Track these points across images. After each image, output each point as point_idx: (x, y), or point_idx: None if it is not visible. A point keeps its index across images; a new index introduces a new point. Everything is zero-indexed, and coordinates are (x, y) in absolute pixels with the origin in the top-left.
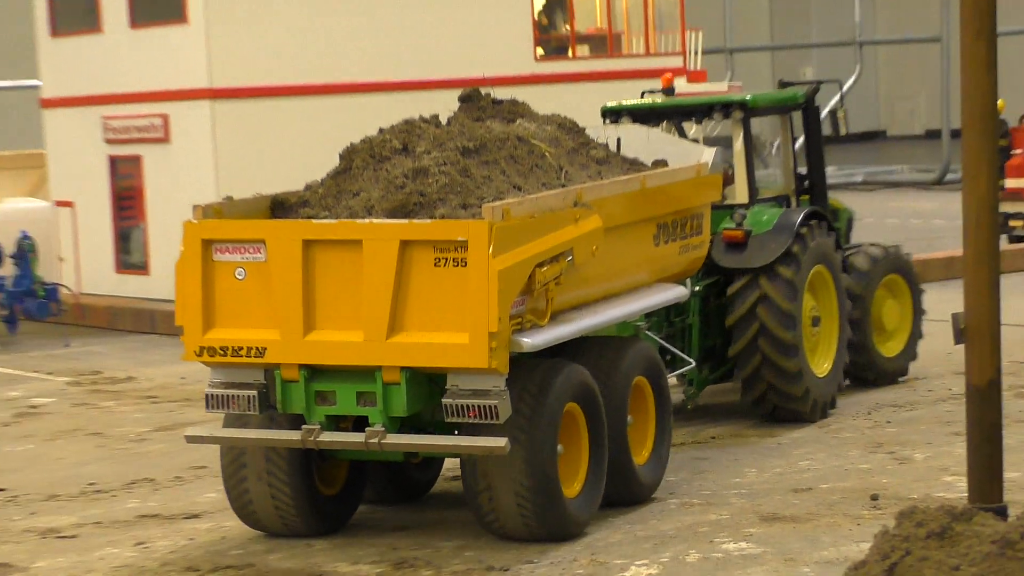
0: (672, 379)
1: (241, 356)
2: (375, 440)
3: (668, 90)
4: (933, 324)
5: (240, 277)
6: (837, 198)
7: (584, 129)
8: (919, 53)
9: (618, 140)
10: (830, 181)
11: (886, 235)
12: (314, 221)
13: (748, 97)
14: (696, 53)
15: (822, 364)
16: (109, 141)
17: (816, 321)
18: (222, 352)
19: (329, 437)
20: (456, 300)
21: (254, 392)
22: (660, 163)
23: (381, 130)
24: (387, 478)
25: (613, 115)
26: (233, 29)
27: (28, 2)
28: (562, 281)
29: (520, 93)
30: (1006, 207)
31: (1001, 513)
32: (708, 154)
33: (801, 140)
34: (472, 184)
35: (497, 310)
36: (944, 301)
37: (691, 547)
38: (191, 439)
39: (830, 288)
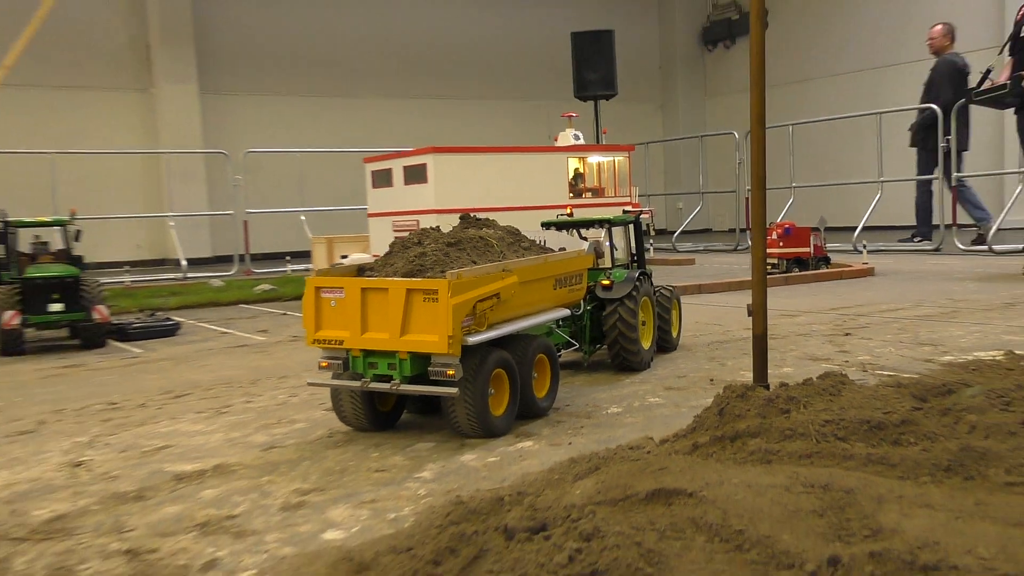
0: (573, 352)
1: (332, 344)
2: (394, 387)
3: (570, 215)
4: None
5: (333, 305)
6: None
7: (519, 232)
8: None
9: (543, 240)
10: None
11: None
12: (365, 278)
13: (610, 217)
14: (636, 195)
15: (646, 342)
16: None
17: (643, 323)
18: (324, 342)
19: (373, 385)
20: (433, 319)
21: (340, 361)
22: (562, 249)
23: (410, 232)
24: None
25: (546, 226)
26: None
27: None
28: (494, 309)
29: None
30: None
31: (766, 387)
32: (585, 245)
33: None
34: (448, 260)
35: (452, 324)
36: (729, 302)
37: (629, 403)
38: (312, 384)
39: (649, 308)
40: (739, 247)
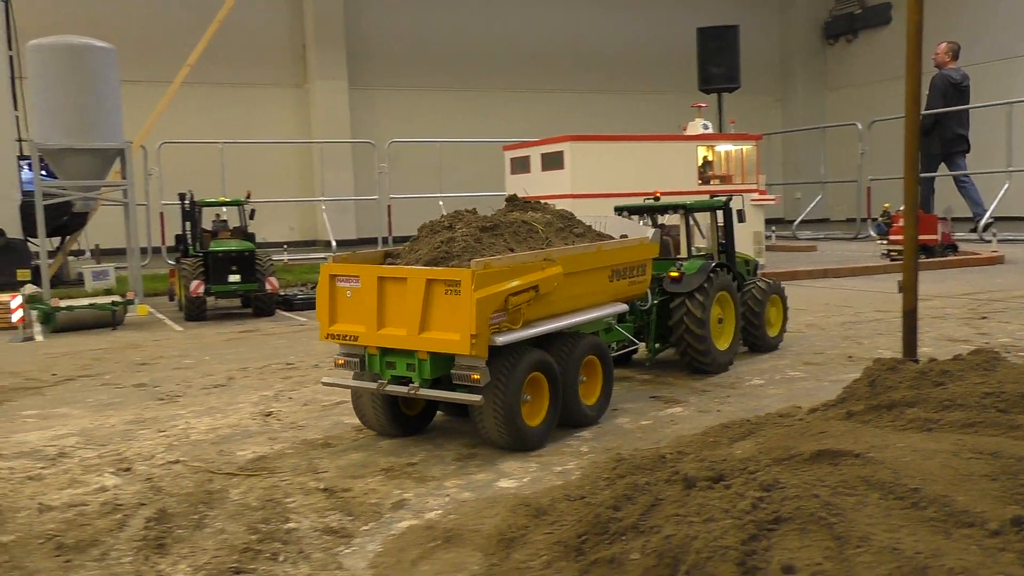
0: (642, 349)
1: (347, 340)
2: (412, 391)
3: (656, 199)
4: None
5: (349, 295)
6: (747, 253)
7: (574, 216)
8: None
9: (606, 223)
10: None
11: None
12: (383, 265)
13: (686, 202)
14: (764, 183)
15: (723, 344)
16: None
17: (721, 321)
18: (339, 337)
19: (390, 388)
20: (455, 314)
21: (357, 359)
22: (623, 236)
23: (443, 215)
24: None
25: (619, 211)
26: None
27: None
28: (532, 304)
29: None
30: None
31: (915, 361)
32: (650, 232)
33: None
34: (480, 247)
35: (475, 321)
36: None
37: (770, 376)
38: (326, 384)
39: (729, 304)
40: (859, 236)
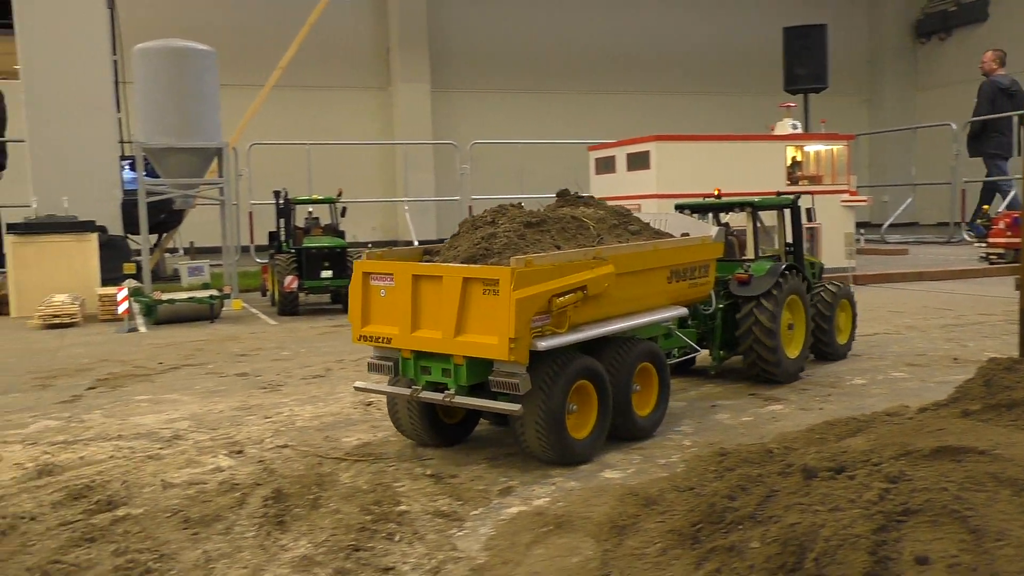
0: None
1: (380, 343)
2: (448, 399)
3: (718, 196)
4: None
5: (383, 295)
6: (814, 255)
7: (630, 213)
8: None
9: (666, 220)
10: None
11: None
12: (418, 263)
13: (755, 200)
14: (855, 184)
15: (793, 351)
16: None
17: (791, 327)
18: (371, 339)
19: (425, 395)
20: (493, 316)
21: (391, 363)
22: (684, 235)
23: (485, 211)
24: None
25: (680, 208)
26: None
27: None
28: (579, 306)
29: None
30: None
31: None
32: (713, 231)
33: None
34: (523, 244)
35: (514, 324)
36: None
37: (872, 376)
38: (358, 389)
39: (800, 309)
40: (953, 239)
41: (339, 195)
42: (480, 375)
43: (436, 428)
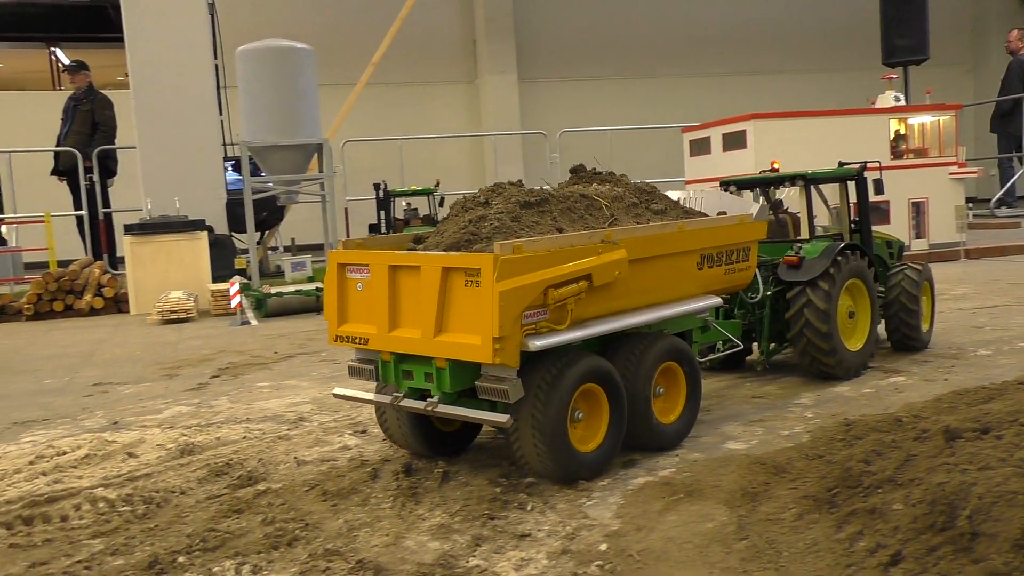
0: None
1: (357, 344)
2: (430, 407)
3: (774, 170)
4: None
5: (360, 289)
6: (893, 234)
7: (655, 190)
8: None
9: (702, 199)
10: None
11: None
12: (396, 251)
13: (808, 172)
14: (964, 155)
15: (855, 344)
16: None
17: (851, 315)
18: (348, 340)
19: (405, 402)
20: (476, 311)
21: (372, 367)
22: (721, 214)
23: (481, 190)
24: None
25: (725, 185)
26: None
27: None
28: (584, 298)
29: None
30: None
31: None
32: (754, 208)
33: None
34: (517, 227)
35: (499, 320)
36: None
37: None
38: (338, 396)
39: (863, 295)
40: None
41: (437, 185)
42: (467, 380)
43: (431, 438)
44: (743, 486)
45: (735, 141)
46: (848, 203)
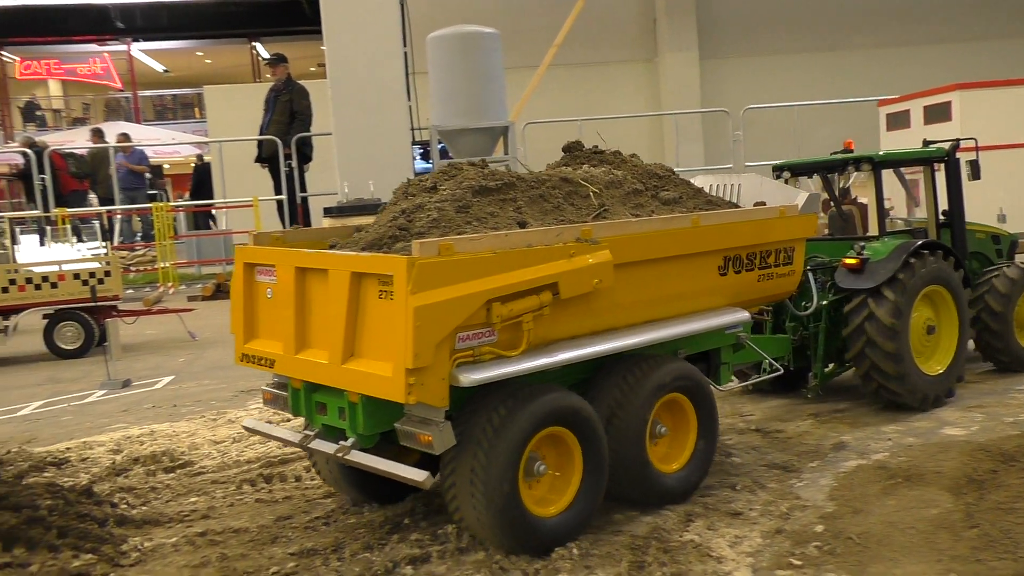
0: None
1: (263, 365)
2: (340, 453)
3: (848, 151)
4: None
5: (269, 296)
6: (1001, 227)
7: (670, 175)
8: None
9: (737, 187)
10: None
11: None
12: (302, 249)
13: (877, 153)
14: None
15: (934, 366)
16: None
17: (931, 330)
18: (252, 360)
19: (316, 443)
20: (389, 332)
21: (287, 395)
22: (759, 204)
23: (439, 169)
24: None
25: (778, 170)
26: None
27: None
28: (548, 314)
29: None
30: None
31: None
32: (801, 198)
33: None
34: (463, 220)
35: (412, 345)
36: None
37: None
38: (247, 429)
39: (948, 304)
40: None
41: None
42: (386, 420)
43: (364, 482)
44: (967, 473)
45: (938, 113)
46: (935, 191)
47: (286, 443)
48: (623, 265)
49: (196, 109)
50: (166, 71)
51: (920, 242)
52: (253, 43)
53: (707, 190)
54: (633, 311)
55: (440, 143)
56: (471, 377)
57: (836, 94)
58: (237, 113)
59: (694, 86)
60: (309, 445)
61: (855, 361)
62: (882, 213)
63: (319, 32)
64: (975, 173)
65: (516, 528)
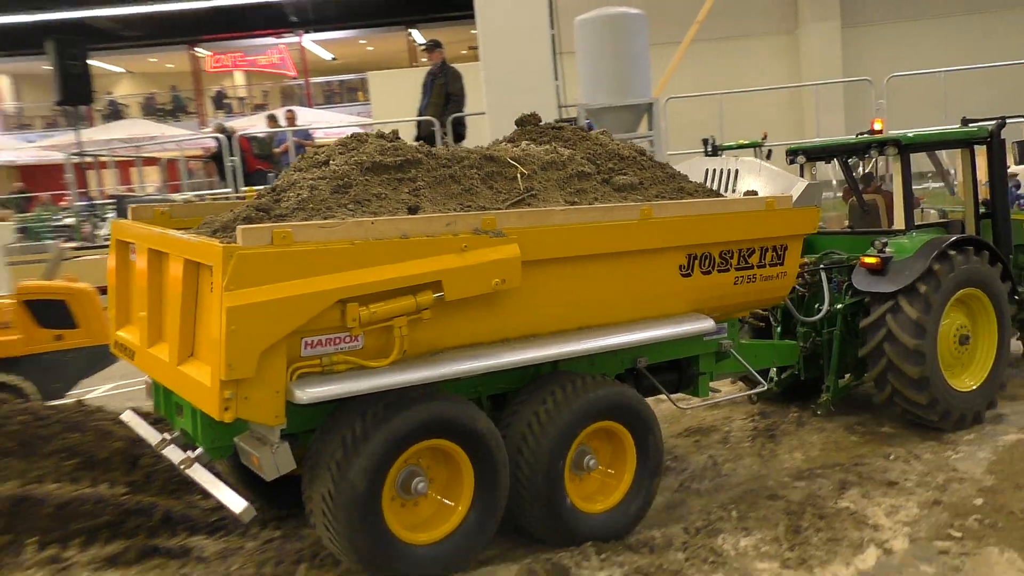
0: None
1: (128, 356)
2: (184, 465)
3: (871, 132)
4: None
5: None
6: None
7: (639, 157)
8: None
9: (735, 172)
10: None
11: None
12: (156, 230)
13: (902, 136)
14: None
15: (967, 381)
16: None
17: (964, 340)
18: (121, 350)
19: (168, 449)
20: (212, 335)
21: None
22: (751, 193)
23: (340, 140)
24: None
25: (792, 155)
26: None
27: None
28: (431, 318)
29: None
30: None
31: None
32: (797, 188)
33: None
34: (334, 202)
35: (225, 353)
36: None
37: None
38: (124, 422)
39: (986, 310)
40: None
41: (764, 138)
42: (227, 432)
43: (260, 485)
44: None
45: None
46: (974, 177)
47: (147, 444)
48: (543, 262)
49: (360, 93)
50: (333, 59)
51: (953, 238)
52: (409, 30)
53: (703, 175)
54: (562, 316)
55: (587, 119)
56: (309, 392)
57: (986, 58)
58: (397, 96)
59: (835, 56)
60: (163, 451)
61: (877, 385)
62: (910, 203)
63: (469, 17)
64: (1021, 157)
65: (379, 554)
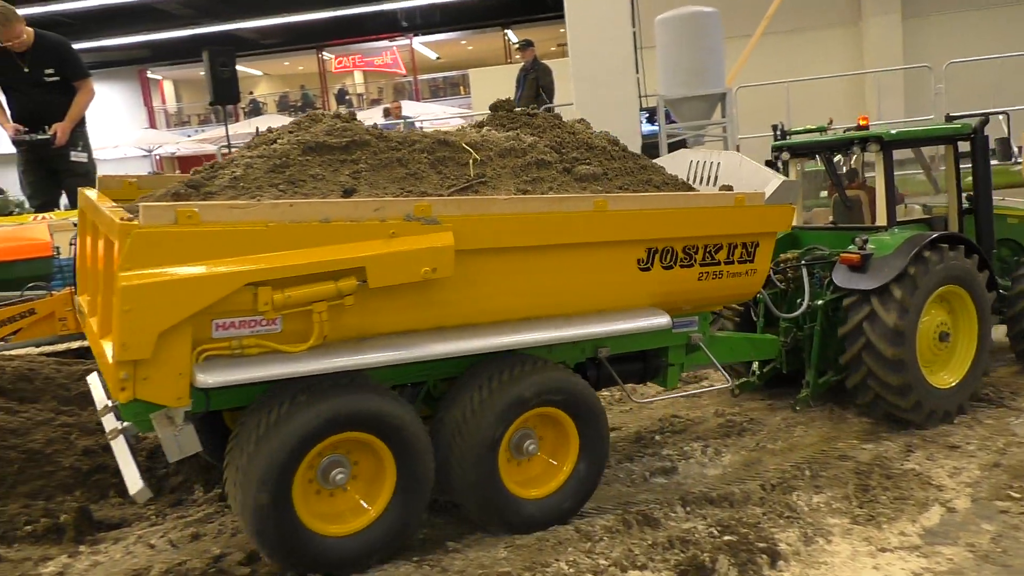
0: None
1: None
2: (112, 435)
3: (864, 128)
4: None
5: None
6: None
7: (611, 148)
8: None
9: (717, 165)
10: None
11: None
12: (98, 203)
13: (887, 132)
14: None
15: (946, 378)
16: None
17: (945, 336)
18: (81, 315)
19: (107, 418)
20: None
21: None
22: (726, 188)
23: (300, 118)
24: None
25: (776, 150)
26: None
27: None
28: (354, 305)
29: None
30: None
31: None
32: (771, 185)
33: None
34: (267, 181)
35: (120, 334)
36: None
37: None
38: (89, 383)
39: (968, 307)
40: None
41: (830, 123)
42: (144, 407)
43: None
44: None
45: None
46: (958, 173)
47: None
48: (485, 252)
49: (461, 88)
50: (438, 58)
51: (936, 234)
52: (505, 30)
53: (687, 167)
54: (509, 307)
55: (666, 109)
56: (213, 377)
57: None
58: (495, 90)
59: (896, 47)
60: (103, 418)
61: (850, 368)
62: (892, 200)
63: (559, 17)
64: (1005, 154)
65: (288, 546)
